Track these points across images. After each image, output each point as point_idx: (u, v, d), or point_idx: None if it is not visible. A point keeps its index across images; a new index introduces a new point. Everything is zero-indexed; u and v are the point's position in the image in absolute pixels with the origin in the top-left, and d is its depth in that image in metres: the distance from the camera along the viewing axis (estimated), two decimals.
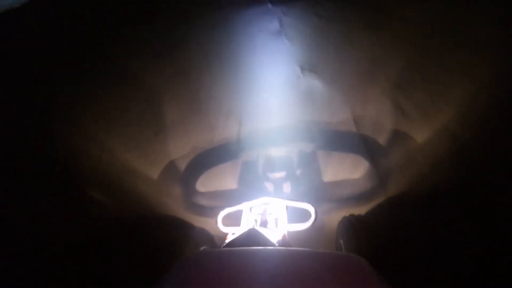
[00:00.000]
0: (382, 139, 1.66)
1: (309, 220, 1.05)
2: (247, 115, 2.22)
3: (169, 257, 1.28)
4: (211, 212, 1.62)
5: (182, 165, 1.91)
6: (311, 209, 1.08)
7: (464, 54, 1.48)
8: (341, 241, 1.16)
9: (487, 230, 1.01)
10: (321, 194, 1.64)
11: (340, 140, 1.79)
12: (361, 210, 1.45)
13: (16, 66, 2.18)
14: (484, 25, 1.49)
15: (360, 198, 1.52)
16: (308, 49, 2.41)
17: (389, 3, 2.21)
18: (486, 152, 1.20)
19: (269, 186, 1.79)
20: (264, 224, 1.07)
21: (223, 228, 1.14)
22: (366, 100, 1.86)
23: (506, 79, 1.25)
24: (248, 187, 1.79)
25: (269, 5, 3.04)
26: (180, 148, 2.02)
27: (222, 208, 1.23)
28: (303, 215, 1.09)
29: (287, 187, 1.75)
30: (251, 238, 0.72)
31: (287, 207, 1.12)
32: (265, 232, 0.79)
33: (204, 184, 1.80)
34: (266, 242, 0.72)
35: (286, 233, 1.00)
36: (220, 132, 2.19)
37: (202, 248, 1.26)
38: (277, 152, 1.92)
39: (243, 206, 1.18)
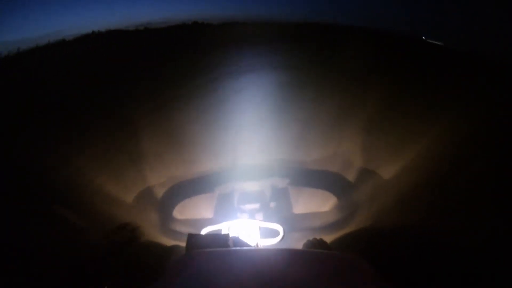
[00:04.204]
0: (351, 176, 1.88)
1: (279, 236, 1.25)
2: (223, 151, 2.38)
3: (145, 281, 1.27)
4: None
5: (159, 193, 1.93)
6: (280, 228, 1.28)
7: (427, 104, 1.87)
8: None
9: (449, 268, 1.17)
10: (292, 224, 1.79)
11: (312, 177, 1.98)
12: (328, 238, 1.63)
13: None
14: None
15: (328, 228, 1.67)
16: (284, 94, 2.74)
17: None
18: (444, 187, 1.46)
19: (243, 216, 1.89)
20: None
21: None
22: (339, 141, 2.11)
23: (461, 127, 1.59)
24: (224, 216, 1.87)
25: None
26: (156, 177, 2.05)
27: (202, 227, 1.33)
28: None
29: (260, 217, 1.87)
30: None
31: (260, 227, 1.29)
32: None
33: (181, 211, 1.83)
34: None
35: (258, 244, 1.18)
36: (197, 166, 2.29)
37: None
38: (252, 186, 2.08)
39: (223, 226, 1.30)
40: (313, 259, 0.50)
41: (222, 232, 1.26)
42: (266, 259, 0.49)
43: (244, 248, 0.64)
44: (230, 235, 1.30)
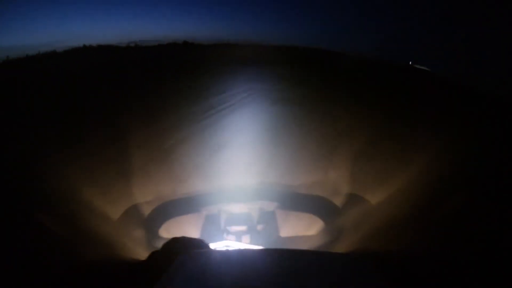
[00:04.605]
0: (338, 201, 1.93)
1: None
2: (213, 172, 2.40)
3: None
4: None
5: (146, 211, 1.90)
6: None
7: (414, 133, 1.97)
8: None
9: None
10: (278, 247, 1.81)
11: (299, 202, 2.03)
12: None
13: None
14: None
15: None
16: (276, 120, 2.83)
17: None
18: (434, 211, 1.51)
19: (230, 238, 1.89)
20: None
21: None
22: (328, 168, 2.19)
23: (449, 153, 1.68)
24: (210, 237, 1.86)
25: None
26: (144, 194, 2.03)
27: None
28: None
29: (246, 240, 1.88)
30: None
31: None
32: None
33: (168, 230, 1.81)
34: None
35: None
36: (185, 185, 2.28)
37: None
38: (240, 208, 2.09)
39: (210, 247, 1.33)
40: (318, 259, 0.51)
41: None
42: (267, 259, 0.50)
43: (245, 248, 0.65)
44: None
